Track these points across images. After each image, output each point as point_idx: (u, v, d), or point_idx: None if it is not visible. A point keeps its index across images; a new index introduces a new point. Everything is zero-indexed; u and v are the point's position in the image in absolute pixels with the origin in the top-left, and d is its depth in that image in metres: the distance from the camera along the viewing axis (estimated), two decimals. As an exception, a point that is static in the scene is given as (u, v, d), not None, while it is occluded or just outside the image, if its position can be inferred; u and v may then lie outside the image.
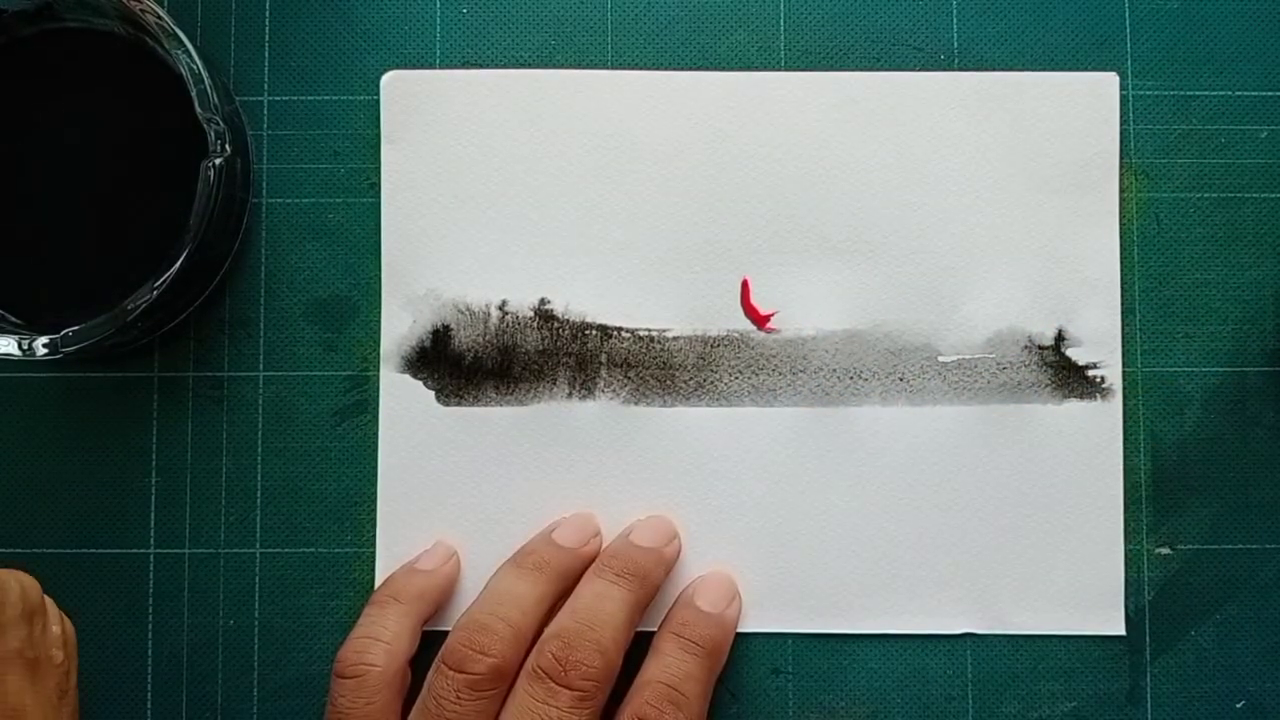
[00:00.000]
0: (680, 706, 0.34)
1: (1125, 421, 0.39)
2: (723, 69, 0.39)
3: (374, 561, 0.38)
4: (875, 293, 0.39)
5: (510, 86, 0.39)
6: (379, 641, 0.35)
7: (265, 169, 0.39)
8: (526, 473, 0.39)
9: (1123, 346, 0.39)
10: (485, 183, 0.39)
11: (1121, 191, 0.39)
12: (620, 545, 0.37)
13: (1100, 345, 0.39)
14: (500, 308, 0.39)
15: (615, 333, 0.39)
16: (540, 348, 0.39)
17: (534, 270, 0.39)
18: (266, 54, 0.39)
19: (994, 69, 0.39)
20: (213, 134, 0.34)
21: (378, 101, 0.39)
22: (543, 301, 0.39)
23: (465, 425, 0.39)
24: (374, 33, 0.39)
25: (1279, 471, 0.39)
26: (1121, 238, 0.39)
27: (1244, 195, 0.39)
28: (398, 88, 0.39)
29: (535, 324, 0.39)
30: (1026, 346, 0.39)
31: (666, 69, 0.39)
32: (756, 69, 0.39)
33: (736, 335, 0.39)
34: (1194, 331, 0.39)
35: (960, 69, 0.39)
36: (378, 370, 0.39)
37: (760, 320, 0.39)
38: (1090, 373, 0.39)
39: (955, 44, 0.39)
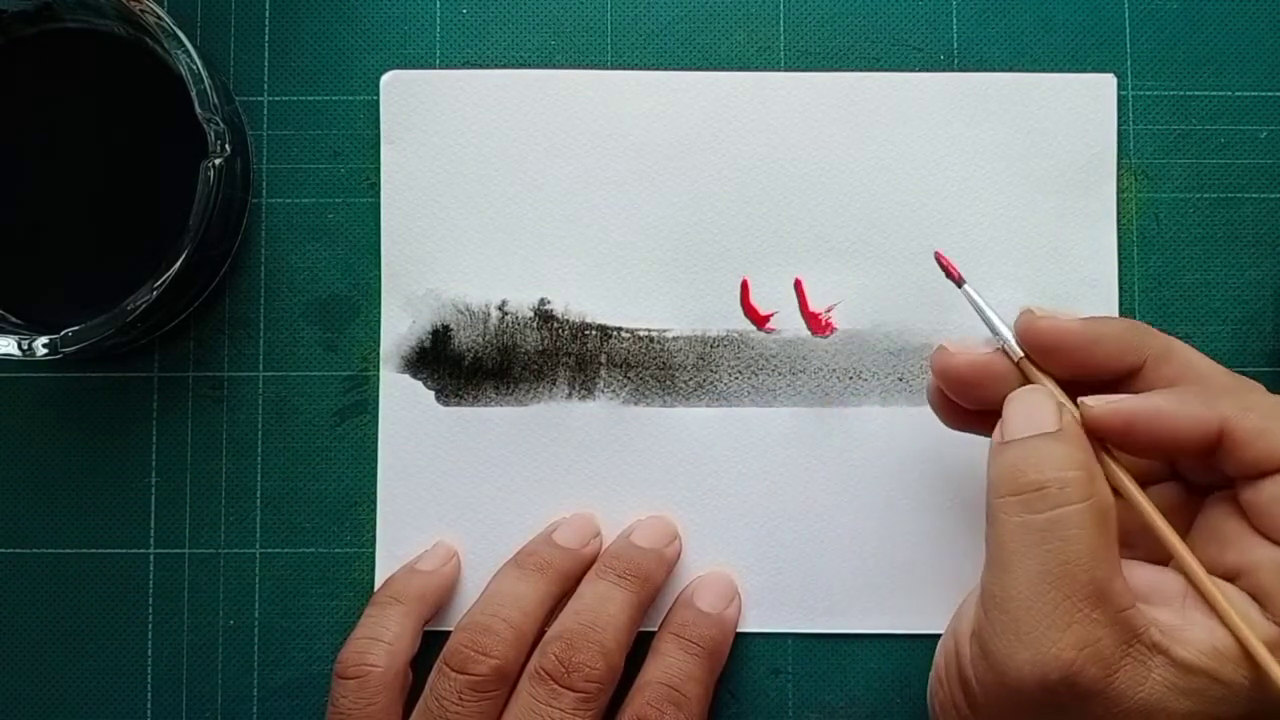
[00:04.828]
0: (681, 707, 0.34)
1: (1124, 421, 0.39)
2: (723, 69, 0.39)
3: (374, 561, 0.38)
4: (875, 293, 0.39)
5: (510, 86, 0.39)
6: (380, 642, 0.35)
7: (265, 169, 0.39)
8: (526, 473, 0.38)
9: (1122, 347, 0.39)
10: (485, 183, 0.39)
11: (1121, 192, 0.39)
12: (621, 546, 0.37)
13: (1099, 345, 0.39)
14: (500, 308, 0.39)
15: (615, 333, 0.39)
16: (540, 348, 0.39)
17: (534, 270, 0.39)
18: (266, 54, 0.39)
19: (993, 69, 0.39)
20: (213, 134, 0.34)
21: (378, 101, 0.39)
22: (542, 302, 0.39)
23: (465, 425, 0.39)
24: (374, 33, 0.39)
25: (1278, 471, 0.39)
26: (1120, 238, 0.39)
27: (1243, 195, 0.39)
28: (397, 88, 0.39)
29: (535, 324, 0.39)
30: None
31: (666, 69, 0.39)
32: (756, 69, 0.39)
33: (736, 335, 0.39)
34: (1194, 331, 0.39)
35: (960, 69, 0.39)
36: (378, 370, 0.39)
37: (760, 320, 0.39)
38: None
39: (955, 44, 0.39)
